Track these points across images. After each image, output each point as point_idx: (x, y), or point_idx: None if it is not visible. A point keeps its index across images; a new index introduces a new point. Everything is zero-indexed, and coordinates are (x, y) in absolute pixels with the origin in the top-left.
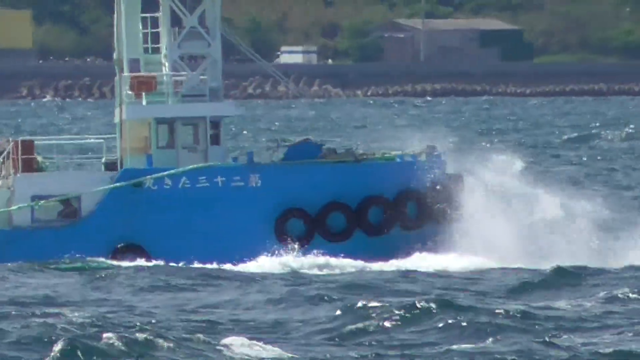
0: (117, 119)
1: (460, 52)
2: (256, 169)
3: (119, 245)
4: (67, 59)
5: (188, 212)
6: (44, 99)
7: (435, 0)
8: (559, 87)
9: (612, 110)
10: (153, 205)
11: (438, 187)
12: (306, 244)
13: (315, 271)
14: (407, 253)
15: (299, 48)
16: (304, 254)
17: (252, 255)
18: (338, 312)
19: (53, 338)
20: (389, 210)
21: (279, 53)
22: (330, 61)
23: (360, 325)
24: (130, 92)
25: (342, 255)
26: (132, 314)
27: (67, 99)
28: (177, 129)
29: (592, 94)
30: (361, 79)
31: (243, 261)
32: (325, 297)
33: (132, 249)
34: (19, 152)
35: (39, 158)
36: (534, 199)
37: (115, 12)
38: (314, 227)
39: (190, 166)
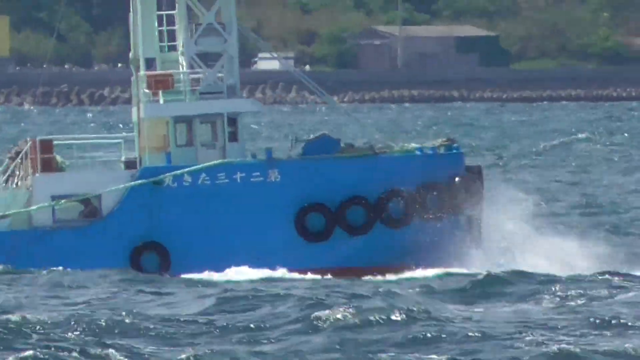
0: (134, 118)
1: (438, 59)
2: (275, 164)
3: (139, 244)
4: (45, 66)
5: (208, 209)
6: (22, 107)
7: (413, 7)
8: (536, 92)
9: (591, 115)
10: (173, 202)
11: (457, 179)
12: (326, 238)
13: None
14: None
15: (276, 54)
16: (325, 248)
17: (273, 250)
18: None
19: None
20: (409, 202)
21: (255, 60)
22: (307, 68)
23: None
24: (147, 91)
25: (362, 248)
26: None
27: (45, 106)
28: (195, 127)
29: (571, 99)
30: (339, 86)
31: (264, 257)
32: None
33: (153, 247)
34: (38, 152)
35: (58, 157)
36: None
37: (131, 10)
38: (334, 221)
39: (210, 163)
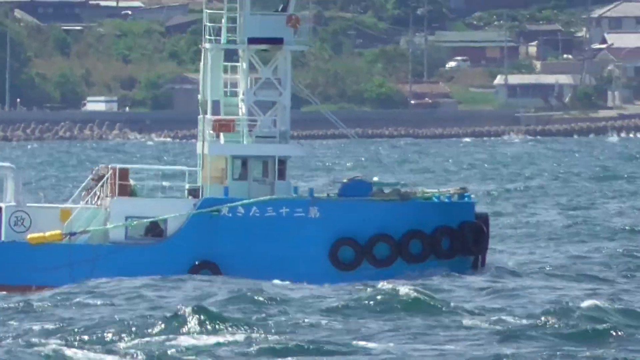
0: (199, 151)
1: None
2: (316, 202)
3: (196, 262)
4: None
5: (256, 237)
6: None
7: None
8: (322, 131)
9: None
10: (227, 229)
11: (467, 224)
12: (355, 268)
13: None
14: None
15: (102, 98)
16: (353, 276)
17: (309, 275)
18: None
19: None
20: (427, 242)
21: (85, 102)
22: (127, 109)
23: None
24: (212, 132)
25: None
26: None
27: None
28: (249, 164)
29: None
30: (155, 124)
31: (301, 280)
32: None
33: (208, 266)
34: (116, 178)
35: (132, 182)
36: None
37: (202, 61)
38: (362, 254)
39: (260, 198)
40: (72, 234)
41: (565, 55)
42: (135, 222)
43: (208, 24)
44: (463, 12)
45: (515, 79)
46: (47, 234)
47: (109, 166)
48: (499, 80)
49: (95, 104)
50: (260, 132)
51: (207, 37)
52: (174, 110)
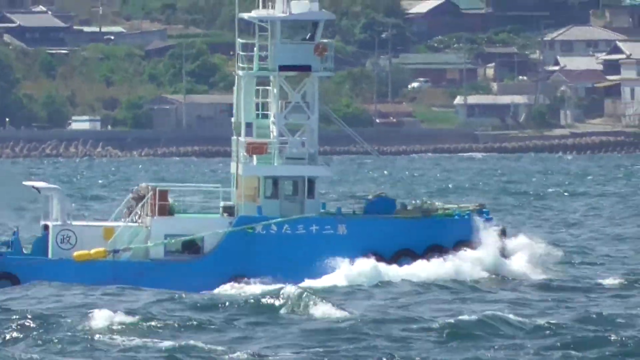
0: (232, 171)
1: (214, 121)
2: (343, 220)
3: (232, 277)
4: None
5: (288, 253)
6: None
7: (194, 80)
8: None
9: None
10: (261, 246)
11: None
12: None
13: None
14: None
15: (86, 117)
16: None
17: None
18: None
19: None
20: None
21: (70, 122)
22: (110, 128)
23: None
24: (245, 154)
25: None
26: None
27: None
28: (280, 184)
29: (319, 154)
30: (136, 143)
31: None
32: None
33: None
34: (156, 199)
35: (171, 200)
36: None
37: (236, 86)
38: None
39: (292, 217)
40: (116, 251)
41: (520, 77)
42: (173, 241)
43: (241, 52)
44: (425, 36)
45: (473, 99)
46: (92, 251)
47: (149, 186)
48: (458, 100)
49: (80, 123)
50: (290, 154)
51: (240, 64)
52: (154, 130)
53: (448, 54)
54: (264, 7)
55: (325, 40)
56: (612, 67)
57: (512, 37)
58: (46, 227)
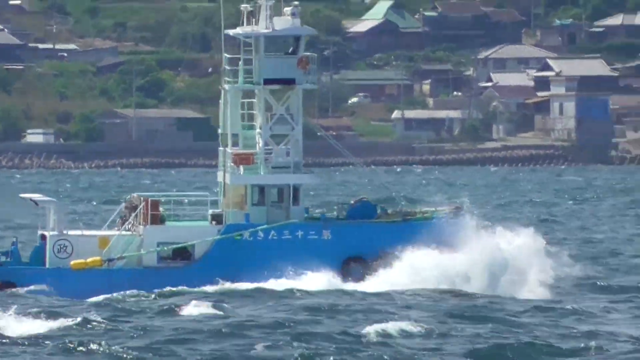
0: (219, 180)
1: (163, 134)
2: (327, 225)
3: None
4: None
5: (275, 258)
6: None
7: (144, 94)
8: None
9: None
10: (249, 252)
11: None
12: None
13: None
14: None
15: (40, 130)
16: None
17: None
18: None
19: None
20: None
21: (24, 134)
22: (62, 140)
23: None
24: (232, 165)
25: None
26: None
27: None
28: (267, 191)
29: None
30: (88, 155)
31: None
32: None
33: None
34: (148, 208)
35: (162, 210)
36: None
37: (222, 99)
38: (370, 270)
39: (277, 223)
40: (111, 259)
41: (455, 93)
42: (165, 248)
43: (227, 67)
44: (365, 54)
45: (411, 113)
46: (89, 260)
47: (141, 197)
48: (396, 114)
49: (34, 136)
50: (276, 163)
51: (226, 79)
52: (105, 142)
53: (387, 70)
54: (248, 23)
55: (307, 54)
56: (543, 83)
57: (448, 55)
58: (43, 237)
